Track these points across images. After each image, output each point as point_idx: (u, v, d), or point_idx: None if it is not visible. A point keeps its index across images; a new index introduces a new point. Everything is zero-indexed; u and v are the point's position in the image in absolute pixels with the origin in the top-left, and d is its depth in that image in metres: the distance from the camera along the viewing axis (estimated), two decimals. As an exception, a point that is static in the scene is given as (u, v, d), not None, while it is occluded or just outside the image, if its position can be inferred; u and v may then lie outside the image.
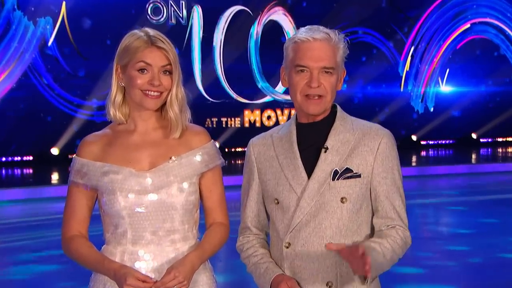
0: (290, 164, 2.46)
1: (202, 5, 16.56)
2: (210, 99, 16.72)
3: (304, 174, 2.43)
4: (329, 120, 2.49)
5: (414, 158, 16.74)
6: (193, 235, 2.52)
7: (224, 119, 17.07)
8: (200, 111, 14.85)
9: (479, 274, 6.47)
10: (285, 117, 17.37)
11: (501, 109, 19.90)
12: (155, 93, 2.42)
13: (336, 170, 2.40)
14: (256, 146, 2.58)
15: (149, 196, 2.41)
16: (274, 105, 17.48)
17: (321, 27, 2.46)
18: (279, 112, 17.53)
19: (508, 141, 20.13)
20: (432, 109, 19.37)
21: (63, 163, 13.86)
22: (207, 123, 16.56)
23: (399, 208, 2.45)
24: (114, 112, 2.48)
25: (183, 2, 16.40)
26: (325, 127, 2.48)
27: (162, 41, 2.41)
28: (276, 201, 2.47)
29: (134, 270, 2.34)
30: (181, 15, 16.41)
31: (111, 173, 2.41)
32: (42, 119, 15.45)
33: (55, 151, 15.53)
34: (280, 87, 17.11)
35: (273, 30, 16.91)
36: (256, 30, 17.08)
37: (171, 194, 2.42)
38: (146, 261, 2.43)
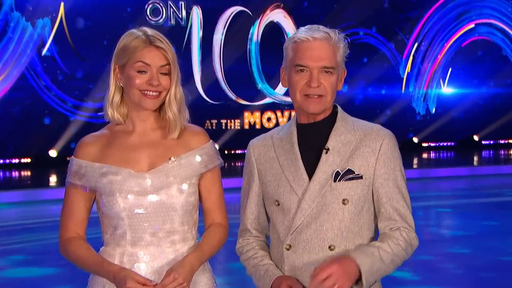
0: (291, 165, 2.43)
1: (201, 6, 16.52)
2: (210, 100, 16.69)
3: (305, 176, 2.40)
4: (330, 120, 2.46)
5: (415, 160, 16.73)
6: (193, 236, 2.51)
7: (223, 121, 17.04)
8: (200, 112, 14.80)
9: (480, 277, 6.46)
10: (285, 119, 17.35)
11: (503, 111, 19.88)
12: (154, 93, 2.41)
13: (337, 171, 2.38)
14: (256, 147, 2.55)
15: (149, 197, 2.40)
16: (274, 106, 17.45)
17: (321, 27, 2.44)
18: (279, 113, 17.49)
19: (510, 143, 20.11)
20: (433, 111, 19.33)
21: (61, 166, 13.80)
22: (206, 124, 16.52)
23: (403, 209, 2.42)
24: (112, 112, 2.47)
25: (183, 3, 16.36)
26: (326, 128, 2.45)
27: (161, 41, 2.39)
28: (276, 203, 2.44)
29: (134, 273, 2.34)
30: (180, 16, 16.37)
31: (110, 174, 2.40)
32: (40, 121, 15.41)
33: (53, 153, 15.49)
34: (279, 89, 17.05)
35: (274, 32, 16.87)
36: (257, 31, 17.03)
37: (171, 195, 2.42)
38: (146, 263, 2.42)
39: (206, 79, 16.66)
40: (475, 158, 17.80)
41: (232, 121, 17.17)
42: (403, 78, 18.95)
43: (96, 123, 14.25)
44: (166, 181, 2.41)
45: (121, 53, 2.42)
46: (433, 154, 18.58)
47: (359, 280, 2.30)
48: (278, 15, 17.18)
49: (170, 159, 2.44)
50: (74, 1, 15.26)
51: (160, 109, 2.49)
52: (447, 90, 19.53)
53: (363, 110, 16.78)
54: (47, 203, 10.83)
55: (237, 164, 14.84)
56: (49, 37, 15.13)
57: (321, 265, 2.26)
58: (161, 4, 16.14)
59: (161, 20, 16.06)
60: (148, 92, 2.40)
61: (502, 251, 7.46)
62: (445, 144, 19.61)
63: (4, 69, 14.81)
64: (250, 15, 17.00)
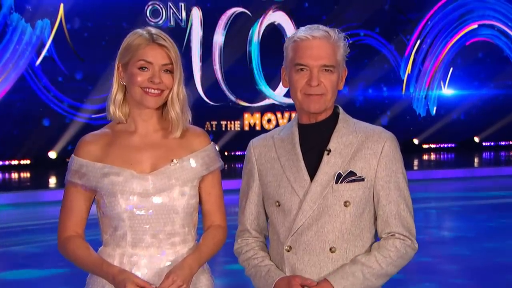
0: (293, 166, 2.41)
1: (201, 7, 16.51)
2: (210, 102, 16.67)
3: (306, 177, 2.39)
4: (332, 121, 2.45)
5: (415, 162, 16.71)
6: (192, 237, 2.51)
7: (223, 122, 17.02)
8: (200, 114, 14.62)
9: (480, 278, 6.46)
10: (285, 120, 17.33)
11: (503, 112, 19.86)
12: (156, 91, 2.40)
13: (339, 173, 2.36)
14: (256, 148, 2.54)
15: (151, 199, 2.40)
16: (274, 108, 17.44)
17: (321, 26, 2.43)
18: (279, 115, 17.48)
19: (511, 144, 20.08)
20: (434, 112, 19.32)
21: (61, 167, 13.78)
22: (206, 126, 16.51)
23: (404, 212, 2.41)
24: (114, 110, 2.46)
25: (182, 4, 16.35)
26: (327, 129, 2.44)
27: (164, 39, 2.39)
28: (277, 204, 2.43)
29: (133, 276, 2.33)
30: (180, 17, 16.36)
31: (112, 174, 2.39)
32: (40, 122, 15.41)
33: (52, 154, 15.47)
34: (279, 90, 17.03)
35: (274, 33, 16.86)
36: (257, 32, 17.02)
37: (173, 198, 2.41)
38: (145, 264, 2.41)
39: (206, 81, 16.66)
40: (476, 160, 17.78)
41: (232, 122, 17.15)
42: (403, 80, 18.93)
43: (95, 124, 14.24)
44: (168, 183, 2.41)
45: (125, 51, 2.43)
46: (434, 156, 18.56)
47: None
48: (279, 16, 17.17)
49: (172, 161, 2.43)
50: (73, 2, 15.26)
51: (162, 110, 2.49)
52: (447, 91, 19.51)
53: (364, 112, 16.75)
54: (46, 204, 10.81)
55: (237, 165, 14.82)
56: (48, 38, 15.12)
57: None
58: (161, 5, 16.12)
59: (161, 21, 16.05)
60: (150, 89, 2.40)
61: (503, 253, 7.45)
62: (445, 145, 19.59)
63: (4, 71, 14.80)
64: (250, 16, 16.98)
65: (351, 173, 2.37)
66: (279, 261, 2.44)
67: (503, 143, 20.04)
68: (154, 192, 2.39)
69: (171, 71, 2.42)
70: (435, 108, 19.33)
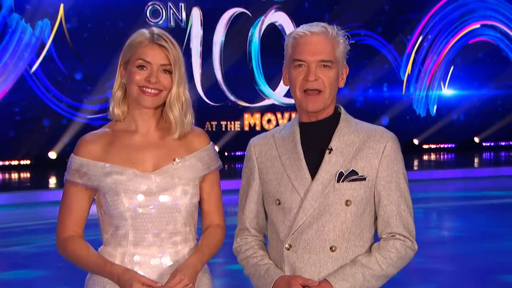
0: (294, 164, 2.41)
1: (201, 8, 16.50)
2: (210, 102, 16.66)
3: (308, 175, 2.38)
4: (333, 121, 2.45)
5: (416, 162, 16.71)
6: (193, 236, 2.51)
7: (223, 123, 17.01)
8: (200, 114, 14.59)
9: (480, 278, 6.45)
10: (285, 121, 17.31)
11: (503, 112, 19.85)
12: (153, 91, 2.40)
13: (341, 172, 2.36)
14: (257, 146, 2.53)
15: (154, 198, 2.40)
16: (274, 108, 17.42)
17: (320, 23, 2.43)
18: (279, 115, 17.46)
19: (511, 145, 20.06)
20: (434, 113, 19.30)
21: (61, 167, 13.75)
22: (206, 126, 16.49)
23: (404, 212, 2.41)
24: (113, 108, 2.48)
25: (182, 4, 16.34)
26: (328, 128, 2.44)
27: (165, 40, 2.40)
28: (277, 202, 2.42)
29: (139, 275, 2.34)
30: (180, 18, 16.34)
31: (114, 173, 2.39)
32: (40, 122, 15.39)
33: (52, 155, 15.46)
34: (280, 90, 17.01)
35: (274, 33, 16.84)
36: (257, 32, 17.00)
37: (176, 196, 2.42)
38: (147, 263, 2.41)
39: (206, 81, 16.64)
40: (476, 160, 17.77)
41: (232, 122, 17.13)
42: (403, 80, 18.92)
43: (95, 124, 14.23)
44: (171, 182, 2.41)
45: (126, 50, 2.44)
46: (434, 156, 18.55)
47: None
48: (279, 16, 17.15)
49: (174, 160, 2.44)
50: (73, 2, 15.25)
51: (163, 110, 2.49)
52: (447, 91, 19.49)
53: (364, 112, 16.74)
54: (46, 204, 10.79)
55: (237, 166, 14.81)
56: (48, 38, 15.10)
57: None
58: (161, 6, 16.11)
59: (160, 22, 16.03)
60: (146, 89, 2.40)
61: (503, 253, 7.45)
62: (445, 145, 19.57)
63: (4, 71, 14.79)
64: (250, 17, 16.97)
65: (353, 172, 2.36)
66: (278, 259, 2.43)
67: (503, 143, 20.02)
68: (158, 191, 2.40)
69: (170, 72, 2.42)
70: (435, 108, 19.31)
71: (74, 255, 2.42)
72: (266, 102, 17.35)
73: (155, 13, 16.09)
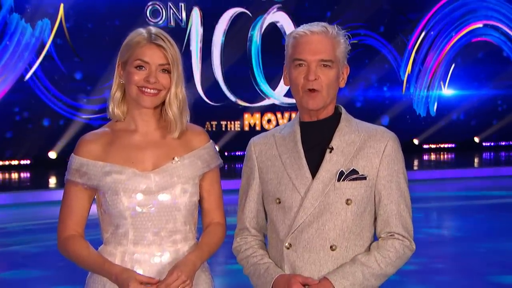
0: (294, 163, 2.41)
1: (201, 7, 16.49)
2: (210, 102, 16.65)
3: (308, 174, 2.38)
4: (334, 120, 2.45)
5: (416, 162, 16.70)
6: (193, 235, 2.52)
7: (223, 123, 17.00)
8: (200, 114, 14.78)
9: (479, 278, 6.45)
10: (285, 120, 17.30)
11: (503, 112, 19.85)
12: (152, 91, 2.41)
13: (342, 171, 2.36)
14: (257, 145, 2.53)
15: (153, 197, 2.41)
16: (274, 108, 17.42)
17: (321, 23, 2.43)
18: (279, 115, 17.46)
19: (511, 145, 20.05)
20: (434, 113, 19.30)
21: (61, 167, 13.76)
22: (206, 126, 16.48)
23: (404, 212, 2.41)
24: (112, 108, 2.49)
25: (182, 4, 16.33)
26: (329, 128, 2.44)
27: (163, 40, 2.40)
28: (277, 201, 2.42)
29: (136, 274, 2.34)
30: (180, 18, 16.34)
31: (114, 173, 2.40)
32: (40, 122, 15.39)
33: (52, 154, 15.45)
34: (280, 90, 17.01)
35: (275, 33, 16.84)
36: (257, 32, 17.00)
37: (175, 195, 2.43)
38: (147, 262, 2.42)
39: (206, 81, 16.63)
40: (476, 160, 17.77)
41: (232, 122, 17.13)
42: (403, 80, 18.92)
43: (95, 124, 14.23)
44: (171, 181, 2.42)
45: (124, 50, 2.45)
46: (434, 156, 18.55)
47: None
48: (279, 16, 17.15)
49: (173, 159, 2.45)
50: (73, 2, 15.24)
51: (161, 109, 2.50)
52: (447, 91, 19.49)
53: (364, 112, 16.76)
54: (46, 204, 10.79)
55: (237, 165, 14.81)
56: (48, 38, 15.10)
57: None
58: (161, 6, 16.11)
59: (160, 22, 16.03)
60: (146, 89, 2.41)
61: (503, 253, 7.45)
62: (445, 145, 19.57)
63: (4, 71, 14.79)
64: (250, 16, 16.97)
65: (354, 171, 2.37)
66: (278, 258, 2.43)
67: (503, 143, 20.02)
68: (157, 189, 2.41)
69: (168, 71, 2.43)
70: (435, 108, 19.31)
71: (74, 254, 2.42)
72: (266, 102, 17.34)
73: (155, 13, 16.08)
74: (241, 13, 16.88)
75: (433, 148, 19.37)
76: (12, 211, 10.84)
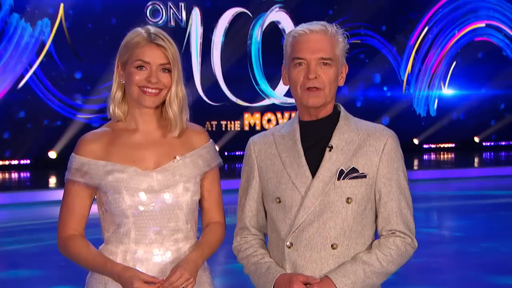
0: (293, 162, 2.41)
1: (201, 7, 16.49)
2: (210, 102, 16.65)
3: (308, 173, 2.38)
4: (333, 119, 2.45)
5: (416, 162, 16.70)
6: (194, 234, 2.53)
7: (223, 122, 17.00)
8: (200, 114, 14.77)
9: (479, 278, 6.45)
10: (285, 120, 17.25)
11: (504, 112, 19.85)
12: (153, 90, 2.41)
13: (341, 169, 2.37)
14: (257, 144, 2.54)
15: (156, 196, 2.41)
16: (274, 108, 17.42)
17: (320, 22, 2.44)
18: (279, 115, 17.46)
19: (511, 145, 20.05)
20: (434, 113, 19.30)
21: (61, 167, 13.75)
22: (206, 126, 16.48)
23: (405, 210, 2.42)
24: (113, 108, 2.48)
25: (182, 4, 16.33)
26: (328, 126, 2.44)
27: (162, 39, 2.40)
28: (278, 200, 2.42)
29: (139, 272, 2.34)
30: (180, 17, 16.34)
31: (116, 172, 2.41)
32: (40, 122, 15.38)
33: (52, 154, 15.45)
34: (280, 90, 17.01)
35: (275, 32, 16.84)
36: (258, 32, 17.00)
37: (177, 194, 2.43)
38: (148, 260, 2.42)
39: (206, 81, 16.63)
40: (476, 160, 17.77)
41: (232, 122, 17.13)
42: (403, 80, 18.92)
43: (95, 124, 14.23)
44: (173, 180, 2.43)
45: (123, 50, 2.44)
46: (434, 156, 18.55)
47: None
48: (279, 16, 17.15)
49: (175, 158, 2.45)
50: (73, 2, 15.24)
51: (162, 108, 2.50)
52: (447, 91, 19.49)
53: (364, 112, 16.75)
54: (46, 204, 10.79)
55: (237, 165, 14.81)
56: (48, 38, 15.10)
57: (300, 287, 2.30)
58: (161, 5, 16.11)
59: (160, 21, 16.03)
60: (147, 89, 2.41)
61: (502, 253, 7.46)
62: (445, 145, 19.57)
63: (4, 70, 14.78)
64: (250, 16, 16.97)
65: (354, 170, 2.37)
66: (279, 257, 2.43)
67: (503, 143, 20.03)
68: (159, 188, 2.41)
69: (169, 70, 2.43)
70: (435, 108, 19.31)
71: (75, 254, 2.42)
72: (266, 102, 17.34)
73: (155, 13, 16.08)
74: (241, 13, 16.88)
75: (433, 148, 19.37)
76: (12, 211, 10.83)
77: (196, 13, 16.49)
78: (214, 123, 16.81)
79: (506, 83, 19.85)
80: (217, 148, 2.64)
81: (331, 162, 2.38)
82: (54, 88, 15.30)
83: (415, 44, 18.90)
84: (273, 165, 2.46)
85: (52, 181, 13.84)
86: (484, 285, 6.22)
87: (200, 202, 2.55)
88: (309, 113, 2.45)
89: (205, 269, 2.54)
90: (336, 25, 2.45)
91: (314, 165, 2.39)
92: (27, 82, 15.04)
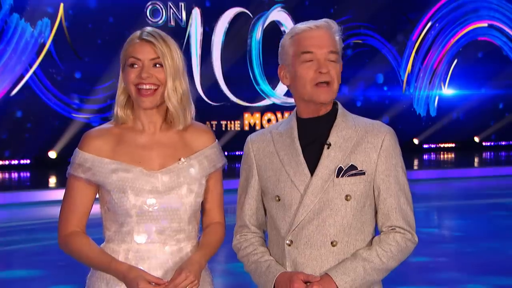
0: (292, 160, 2.41)
1: (201, 7, 16.50)
2: (210, 102, 16.65)
3: (306, 171, 2.38)
4: (330, 116, 2.45)
5: (416, 162, 16.70)
6: (196, 234, 2.53)
7: (223, 122, 17.01)
8: (200, 114, 14.56)
9: (479, 278, 6.45)
10: (285, 120, 17.28)
11: (504, 112, 19.85)
12: (147, 86, 2.40)
13: (340, 167, 2.36)
14: (255, 143, 2.53)
15: (160, 196, 2.41)
16: (274, 108, 17.43)
17: (322, 19, 2.45)
18: (279, 115, 17.47)
19: (511, 144, 20.05)
20: (434, 112, 19.30)
21: (61, 167, 13.77)
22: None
23: (404, 205, 2.42)
24: (116, 110, 2.48)
25: (182, 4, 16.34)
26: (326, 124, 2.44)
27: (153, 35, 2.41)
28: (277, 198, 2.42)
29: (145, 273, 2.34)
30: (180, 17, 16.34)
31: (121, 171, 2.40)
32: (40, 122, 15.38)
33: (52, 154, 15.45)
34: (280, 90, 17.01)
35: (275, 32, 16.83)
36: (258, 31, 17.00)
37: (181, 195, 2.43)
38: (150, 260, 2.42)
39: (206, 80, 16.63)
40: (476, 160, 17.77)
41: (232, 122, 17.13)
42: (403, 80, 18.92)
43: (95, 124, 14.23)
44: (177, 181, 2.43)
45: (122, 53, 2.46)
46: (434, 156, 18.55)
47: None
48: (279, 15, 17.15)
49: (180, 159, 2.45)
50: (73, 2, 15.24)
51: (167, 108, 2.49)
52: (447, 91, 19.50)
53: (364, 112, 16.67)
54: (46, 204, 10.79)
55: (237, 165, 14.76)
56: (48, 38, 15.10)
57: (301, 285, 2.30)
58: (161, 5, 16.11)
59: (160, 21, 16.03)
60: (142, 86, 2.40)
61: (502, 253, 7.46)
62: (445, 145, 19.57)
63: (4, 70, 14.78)
64: (250, 16, 16.98)
65: (352, 167, 2.37)
66: (279, 255, 2.43)
67: (503, 143, 20.03)
68: (164, 189, 2.41)
69: (162, 65, 2.42)
70: (435, 108, 19.31)
71: (77, 251, 2.41)
72: (266, 102, 17.35)
73: (155, 13, 16.09)
74: (241, 13, 16.89)
75: (433, 147, 19.38)
76: (12, 211, 10.84)
77: (196, 13, 16.49)
78: (214, 123, 16.82)
79: (506, 83, 19.86)
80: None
81: (329, 159, 2.37)
82: (54, 88, 15.30)
83: (415, 44, 18.91)
84: (271, 163, 2.45)
85: (52, 181, 13.84)
86: (484, 285, 6.21)
87: (202, 202, 2.54)
88: (312, 110, 2.44)
89: (205, 269, 2.53)
90: (335, 23, 2.46)
91: (312, 163, 2.39)
92: (27, 82, 15.04)
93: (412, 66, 18.99)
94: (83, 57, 15.42)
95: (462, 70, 19.37)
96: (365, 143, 2.40)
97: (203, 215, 2.57)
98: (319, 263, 2.36)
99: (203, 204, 2.55)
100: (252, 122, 17.30)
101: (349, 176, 2.36)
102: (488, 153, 19.22)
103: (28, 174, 14.90)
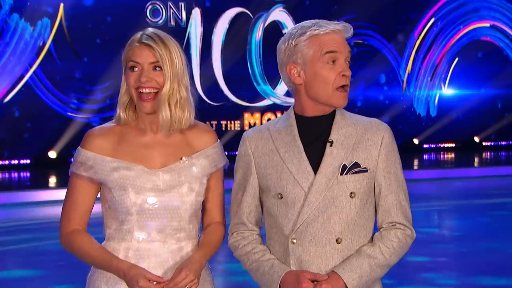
0: (294, 157, 2.41)
1: (201, 7, 16.49)
2: (210, 102, 16.64)
3: (309, 168, 2.38)
4: (328, 114, 2.45)
5: (416, 162, 16.69)
6: (196, 233, 2.53)
7: (223, 122, 17.00)
8: (200, 114, 14.63)
9: (479, 278, 6.45)
10: (285, 120, 17.25)
11: (504, 112, 19.84)
12: (147, 90, 2.40)
13: (344, 164, 2.38)
14: (253, 140, 2.53)
15: (161, 195, 2.42)
16: (274, 108, 17.42)
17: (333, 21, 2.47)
18: (279, 115, 17.37)
19: (511, 144, 20.04)
20: (434, 112, 19.29)
21: (61, 167, 13.77)
22: (206, 126, 16.45)
23: (403, 201, 2.45)
24: (119, 112, 2.49)
25: (183, 4, 16.33)
26: (324, 121, 2.44)
27: (152, 38, 2.40)
28: (279, 196, 2.42)
29: (145, 271, 2.35)
30: (180, 17, 16.34)
31: (122, 169, 2.41)
32: (40, 122, 15.36)
33: (52, 154, 15.45)
34: (280, 90, 17.01)
35: (275, 32, 16.83)
36: (258, 31, 17.00)
37: (182, 194, 2.44)
38: (150, 258, 2.43)
39: (206, 80, 16.62)
40: (476, 160, 17.76)
41: (232, 122, 17.13)
42: (403, 79, 18.92)
43: (95, 124, 14.22)
44: (178, 180, 2.43)
45: (123, 54, 2.46)
46: (434, 156, 18.54)
47: None
48: (279, 15, 17.15)
49: (181, 158, 2.46)
50: (73, 1, 15.24)
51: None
52: (447, 91, 19.49)
53: (364, 112, 16.66)
54: (46, 204, 10.79)
55: (237, 165, 14.78)
56: (48, 38, 15.09)
57: (309, 285, 2.30)
58: (161, 5, 16.10)
59: (160, 21, 16.02)
60: (142, 89, 2.40)
61: (502, 253, 7.46)
62: (445, 145, 19.56)
63: (4, 70, 14.78)
64: (250, 16, 16.97)
65: (356, 164, 2.38)
66: (282, 253, 2.43)
67: (503, 143, 20.03)
68: (165, 188, 2.42)
69: (162, 69, 2.41)
70: (435, 108, 19.30)
71: (78, 249, 2.42)
72: (266, 102, 17.35)
73: (155, 13, 16.08)
74: (241, 13, 16.88)
75: (433, 147, 19.37)
76: (12, 211, 10.83)
77: (196, 13, 16.49)
78: (214, 123, 16.81)
79: (506, 83, 19.85)
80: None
81: (332, 157, 2.38)
82: (54, 88, 15.29)
83: (415, 44, 18.90)
84: (271, 160, 2.45)
85: (52, 181, 13.84)
86: (483, 285, 6.22)
87: (202, 202, 2.54)
88: (319, 110, 2.44)
89: (206, 268, 2.53)
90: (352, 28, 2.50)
91: (314, 160, 2.39)
92: (27, 82, 15.04)
93: (412, 66, 18.99)
94: (83, 57, 15.41)
95: (462, 70, 19.36)
96: (366, 141, 2.41)
97: (203, 215, 2.57)
98: (324, 261, 2.37)
99: (203, 204, 2.55)
100: (252, 122, 17.29)
101: (353, 173, 2.38)
102: (488, 153, 19.22)
103: (28, 174, 14.89)
